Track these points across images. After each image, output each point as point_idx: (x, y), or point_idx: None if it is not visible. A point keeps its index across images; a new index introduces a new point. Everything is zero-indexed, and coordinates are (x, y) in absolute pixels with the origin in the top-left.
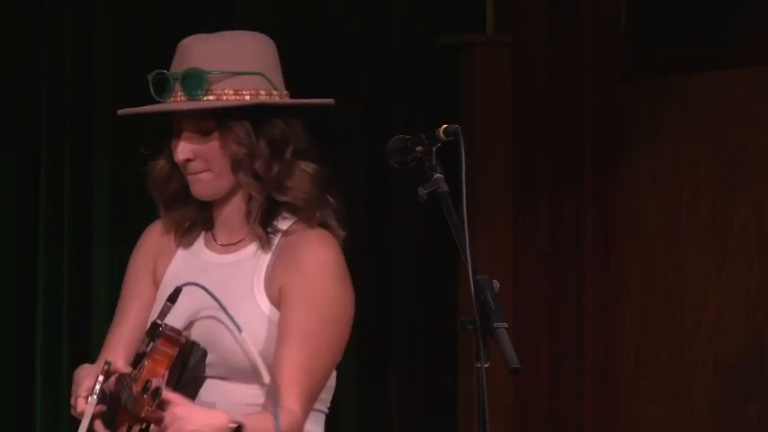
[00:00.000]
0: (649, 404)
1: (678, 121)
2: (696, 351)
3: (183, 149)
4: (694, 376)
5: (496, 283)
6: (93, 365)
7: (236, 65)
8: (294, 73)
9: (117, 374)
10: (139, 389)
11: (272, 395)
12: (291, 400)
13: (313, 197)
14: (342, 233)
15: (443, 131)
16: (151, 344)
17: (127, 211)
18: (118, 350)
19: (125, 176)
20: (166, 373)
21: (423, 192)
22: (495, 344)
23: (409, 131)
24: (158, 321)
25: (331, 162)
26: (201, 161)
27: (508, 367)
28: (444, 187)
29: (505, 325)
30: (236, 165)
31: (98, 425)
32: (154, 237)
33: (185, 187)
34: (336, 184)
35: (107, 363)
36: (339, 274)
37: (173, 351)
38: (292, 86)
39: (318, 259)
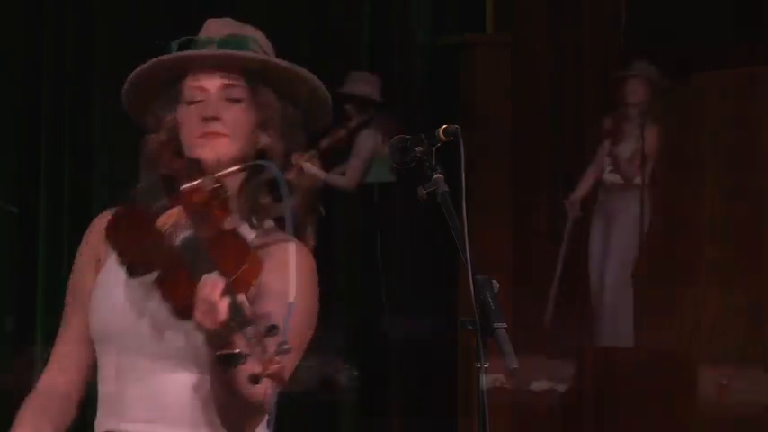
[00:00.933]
0: (649, 406)
1: (678, 121)
2: (696, 351)
3: (214, 107)
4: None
5: (496, 284)
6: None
7: (270, 51)
8: None
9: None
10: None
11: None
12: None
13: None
14: (313, 243)
15: (443, 131)
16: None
17: None
18: (69, 368)
19: (125, 176)
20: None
21: (422, 192)
22: (495, 344)
23: (409, 131)
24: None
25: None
26: (222, 123)
27: (508, 367)
28: (444, 187)
29: (505, 325)
30: (264, 124)
31: None
32: (95, 234)
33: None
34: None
35: None
36: (314, 281)
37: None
38: None
39: (300, 262)
